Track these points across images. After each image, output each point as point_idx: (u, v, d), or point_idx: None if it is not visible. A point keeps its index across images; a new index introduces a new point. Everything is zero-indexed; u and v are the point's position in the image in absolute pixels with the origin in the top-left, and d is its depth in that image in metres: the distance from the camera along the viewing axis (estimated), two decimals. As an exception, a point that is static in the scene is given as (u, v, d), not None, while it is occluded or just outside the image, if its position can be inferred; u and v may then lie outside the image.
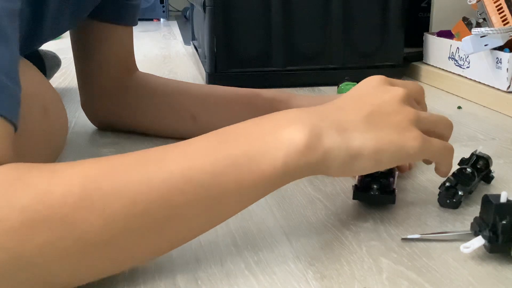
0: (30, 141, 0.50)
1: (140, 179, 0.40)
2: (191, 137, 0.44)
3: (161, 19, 2.65)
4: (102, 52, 0.80)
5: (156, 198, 0.40)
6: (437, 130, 0.52)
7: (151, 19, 2.63)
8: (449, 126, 0.54)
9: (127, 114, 0.83)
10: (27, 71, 0.64)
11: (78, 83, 0.85)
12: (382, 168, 0.48)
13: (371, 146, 0.46)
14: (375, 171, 0.48)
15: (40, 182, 0.39)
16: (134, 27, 0.85)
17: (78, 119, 0.92)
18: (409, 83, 0.54)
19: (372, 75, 0.53)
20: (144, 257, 0.43)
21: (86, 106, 0.86)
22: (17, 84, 0.44)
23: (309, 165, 0.44)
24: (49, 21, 0.65)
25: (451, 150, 0.53)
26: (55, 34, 0.71)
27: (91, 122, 0.87)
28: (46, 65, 1.11)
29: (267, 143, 0.43)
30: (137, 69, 0.85)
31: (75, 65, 0.84)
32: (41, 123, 0.59)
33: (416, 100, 0.53)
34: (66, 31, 0.76)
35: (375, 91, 0.50)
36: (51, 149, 0.62)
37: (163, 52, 1.71)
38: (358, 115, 0.47)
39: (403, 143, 0.47)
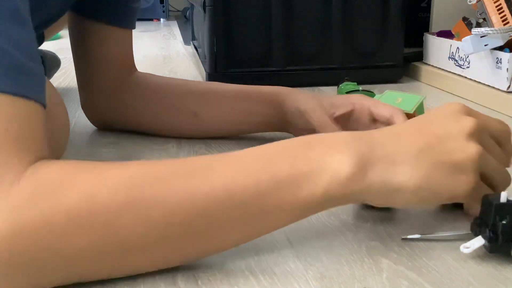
0: None
1: (183, 191, 0.41)
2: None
3: (161, 19, 2.65)
4: (100, 53, 0.80)
5: (197, 211, 0.41)
6: (496, 179, 0.47)
7: (151, 19, 2.63)
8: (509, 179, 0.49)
9: (127, 114, 0.83)
10: None
11: (77, 84, 0.85)
12: (429, 205, 0.46)
13: (414, 183, 0.44)
14: (421, 207, 0.46)
15: (86, 184, 0.40)
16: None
17: (78, 119, 0.92)
18: (493, 119, 0.49)
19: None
20: (179, 261, 0.45)
21: (86, 107, 0.86)
22: (39, 63, 0.45)
23: (349, 195, 0.44)
24: None
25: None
26: (44, 14, 0.69)
27: (91, 122, 0.87)
28: (46, 65, 1.11)
29: (311, 169, 0.43)
30: (136, 70, 0.85)
31: (75, 66, 0.84)
32: None
33: (498, 141, 0.48)
34: (56, 14, 0.74)
35: (443, 119, 0.46)
36: (53, 150, 0.62)
37: (163, 52, 1.71)
38: (413, 147, 0.44)
39: (451, 187, 0.44)
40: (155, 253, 0.42)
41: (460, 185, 0.44)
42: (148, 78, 0.84)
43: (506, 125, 0.50)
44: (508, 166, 0.50)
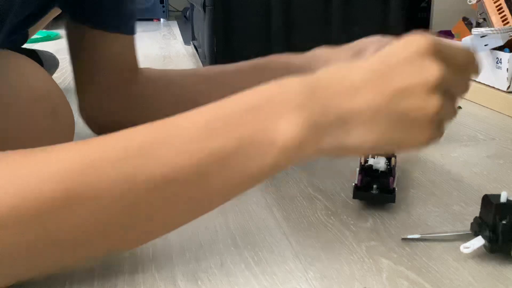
0: (39, 142, 0.50)
1: (119, 181, 0.39)
2: None
3: (161, 19, 2.65)
4: (94, 60, 0.77)
5: (136, 199, 0.40)
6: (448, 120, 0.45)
7: (151, 19, 2.63)
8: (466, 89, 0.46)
9: (127, 116, 0.82)
10: (34, 71, 0.63)
11: (75, 88, 0.82)
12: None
13: (368, 146, 0.42)
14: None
15: (26, 180, 0.38)
16: None
17: (78, 119, 0.91)
18: (461, 54, 0.45)
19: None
20: (125, 247, 0.45)
21: (84, 111, 0.82)
22: None
23: (299, 161, 0.42)
24: None
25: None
26: (27, 11, 0.66)
27: (90, 128, 0.85)
28: (44, 65, 1.11)
29: (258, 140, 0.41)
30: (139, 71, 0.83)
31: (72, 69, 0.81)
32: (49, 123, 0.59)
33: (462, 70, 0.44)
34: (38, 10, 0.72)
35: (407, 66, 0.42)
36: None
37: (163, 52, 1.71)
38: (369, 106, 0.42)
39: (406, 142, 0.43)
40: (98, 243, 0.41)
41: (416, 139, 0.43)
42: (149, 77, 0.82)
43: (471, 55, 0.46)
44: (465, 92, 0.47)
